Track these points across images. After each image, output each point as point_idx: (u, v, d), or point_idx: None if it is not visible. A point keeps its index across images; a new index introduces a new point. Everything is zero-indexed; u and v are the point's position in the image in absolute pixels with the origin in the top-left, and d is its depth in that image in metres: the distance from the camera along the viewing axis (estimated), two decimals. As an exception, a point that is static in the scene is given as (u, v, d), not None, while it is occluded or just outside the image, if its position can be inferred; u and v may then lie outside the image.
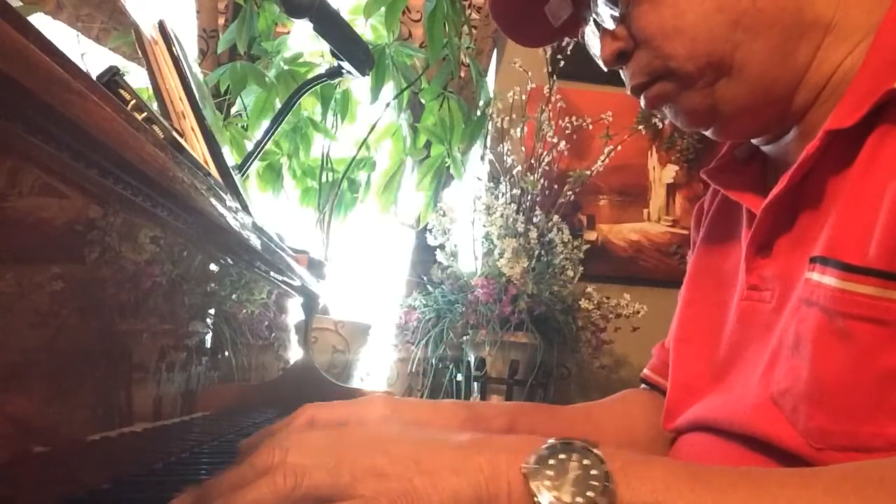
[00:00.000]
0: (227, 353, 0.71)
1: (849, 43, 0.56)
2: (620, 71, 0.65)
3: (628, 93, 0.64)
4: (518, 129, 1.86)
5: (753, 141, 0.67)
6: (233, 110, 1.71)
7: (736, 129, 0.64)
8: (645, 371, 0.84)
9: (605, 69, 0.65)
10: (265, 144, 1.21)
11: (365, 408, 0.64)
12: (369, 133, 1.78)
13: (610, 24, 0.60)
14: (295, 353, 1.02)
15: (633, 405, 0.79)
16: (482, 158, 1.94)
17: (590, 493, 0.37)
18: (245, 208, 0.80)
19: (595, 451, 0.39)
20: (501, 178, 1.81)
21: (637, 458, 0.40)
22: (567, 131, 1.86)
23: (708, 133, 0.64)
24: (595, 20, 0.62)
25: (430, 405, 0.69)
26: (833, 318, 0.49)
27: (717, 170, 0.70)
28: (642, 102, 0.64)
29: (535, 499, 0.37)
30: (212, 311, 0.67)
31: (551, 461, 0.39)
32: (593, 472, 0.38)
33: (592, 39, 0.65)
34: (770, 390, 0.54)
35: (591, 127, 1.91)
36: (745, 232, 0.63)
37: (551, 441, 0.40)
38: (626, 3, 0.59)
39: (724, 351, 0.64)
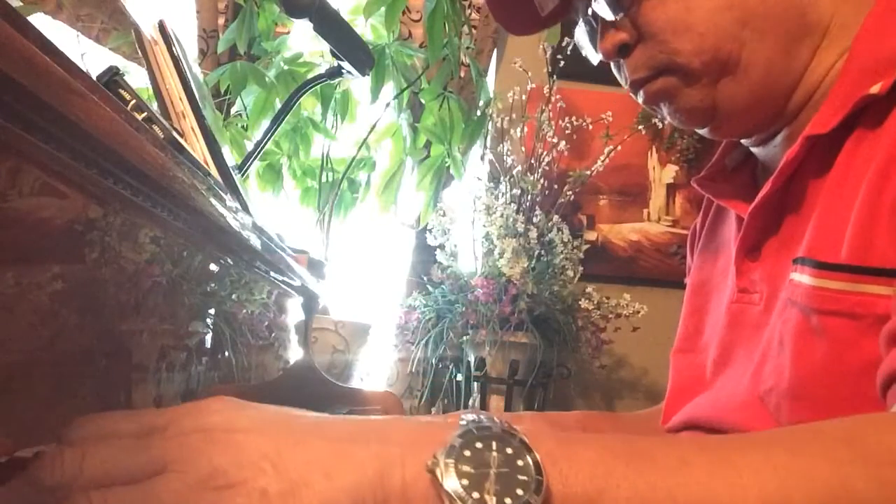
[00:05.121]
0: (227, 353, 0.71)
1: (840, 46, 0.57)
2: (614, 67, 0.65)
3: (625, 87, 0.64)
4: (518, 129, 1.86)
5: (744, 142, 0.67)
6: (233, 110, 1.71)
7: (732, 129, 0.64)
8: None
9: (600, 61, 0.64)
10: (265, 144, 1.21)
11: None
12: (369, 133, 1.78)
13: (610, 16, 0.59)
14: (295, 353, 1.02)
15: None
16: (482, 158, 1.94)
17: (519, 491, 0.30)
18: (245, 208, 0.80)
19: (517, 434, 0.33)
20: (501, 178, 1.81)
21: (566, 438, 0.34)
22: (567, 131, 1.86)
23: (703, 132, 0.64)
24: (592, 13, 0.62)
25: (516, 419, 0.66)
26: (809, 315, 0.51)
27: (708, 179, 0.71)
28: (640, 98, 0.64)
29: None
30: (212, 311, 0.67)
31: (467, 452, 0.31)
32: (519, 462, 0.31)
33: (583, 36, 0.64)
34: (758, 390, 0.55)
35: (591, 127, 1.91)
36: (735, 237, 0.65)
37: (464, 426, 0.33)
38: None
39: (715, 353, 0.66)
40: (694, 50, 0.58)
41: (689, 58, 0.58)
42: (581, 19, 0.64)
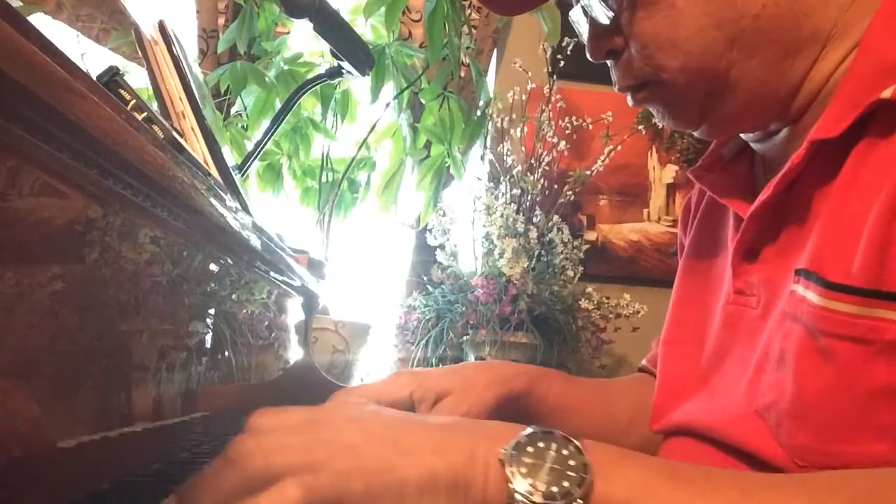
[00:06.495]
0: (227, 353, 0.71)
1: (845, 46, 0.54)
2: (608, 62, 0.63)
3: (615, 89, 0.63)
4: (518, 129, 1.86)
5: (744, 137, 0.65)
6: (233, 110, 1.71)
7: (725, 132, 0.63)
8: (642, 362, 0.85)
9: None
10: (265, 144, 1.21)
11: (393, 384, 0.65)
12: (369, 133, 1.78)
13: (603, 20, 0.58)
14: (295, 353, 1.02)
15: (646, 386, 0.79)
16: (482, 158, 1.94)
17: (565, 483, 0.37)
18: (245, 208, 0.80)
19: (575, 441, 0.39)
20: (501, 178, 1.81)
21: (617, 451, 0.41)
22: (567, 131, 1.86)
23: (696, 133, 0.63)
24: (583, 7, 0.60)
25: (451, 372, 0.69)
26: (815, 336, 0.48)
27: (704, 169, 0.68)
28: (629, 101, 0.63)
29: (510, 486, 0.38)
30: (212, 311, 0.67)
31: (529, 448, 0.39)
32: (571, 462, 0.38)
33: (581, 19, 0.62)
34: (755, 403, 0.54)
35: (591, 127, 1.91)
36: (732, 234, 0.63)
37: (531, 429, 0.40)
38: (620, 4, 0.57)
39: (709, 353, 0.64)
40: (679, 68, 0.56)
41: (673, 74, 0.56)
42: (575, 4, 0.62)
